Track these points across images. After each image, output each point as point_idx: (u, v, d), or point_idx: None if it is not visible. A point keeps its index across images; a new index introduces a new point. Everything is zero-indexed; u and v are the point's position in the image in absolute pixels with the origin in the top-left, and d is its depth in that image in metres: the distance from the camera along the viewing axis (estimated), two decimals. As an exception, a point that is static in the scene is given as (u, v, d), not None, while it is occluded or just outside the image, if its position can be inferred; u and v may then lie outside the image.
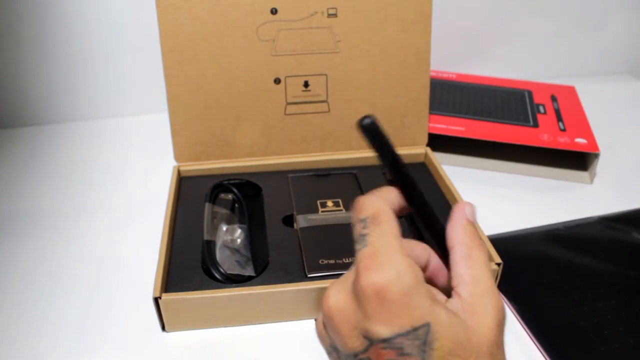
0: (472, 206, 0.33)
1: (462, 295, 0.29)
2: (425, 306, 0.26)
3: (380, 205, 0.30)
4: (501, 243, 0.49)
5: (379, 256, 0.27)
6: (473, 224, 0.32)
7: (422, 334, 0.26)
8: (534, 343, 0.41)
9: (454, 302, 0.29)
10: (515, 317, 0.44)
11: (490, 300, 0.29)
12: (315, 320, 0.32)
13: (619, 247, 0.50)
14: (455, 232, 0.31)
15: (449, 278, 0.30)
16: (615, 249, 0.49)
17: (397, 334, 0.26)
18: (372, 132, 0.31)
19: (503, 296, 0.45)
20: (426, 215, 0.32)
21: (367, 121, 0.30)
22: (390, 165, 0.31)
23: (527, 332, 0.42)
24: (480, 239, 0.31)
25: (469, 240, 0.31)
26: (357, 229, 0.29)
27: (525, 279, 0.46)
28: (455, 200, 0.51)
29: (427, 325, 0.26)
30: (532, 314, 0.43)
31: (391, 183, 0.32)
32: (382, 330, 0.26)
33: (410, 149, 0.59)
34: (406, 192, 0.32)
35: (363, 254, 0.28)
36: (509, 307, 0.45)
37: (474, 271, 0.29)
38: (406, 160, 0.62)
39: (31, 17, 0.67)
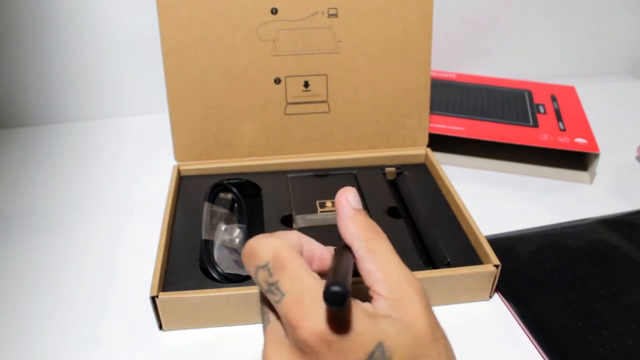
0: (352, 190, 0.30)
1: (383, 293, 0.27)
2: (369, 327, 0.25)
3: (275, 244, 0.27)
4: (500, 243, 0.49)
5: (304, 302, 0.25)
6: (361, 212, 0.30)
7: (379, 356, 0.25)
8: (533, 344, 0.41)
9: (380, 304, 0.27)
10: (514, 318, 0.44)
11: (410, 287, 0.27)
12: None
13: (617, 249, 0.49)
14: (348, 229, 0.29)
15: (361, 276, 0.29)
16: (613, 250, 0.49)
17: None
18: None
19: (502, 297, 0.45)
20: None
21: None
22: None
23: (526, 333, 0.42)
24: (375, 225, 0.29)
25: (364, 232, 0.29)
26: (261, 278, 0.27)
27: (524, 280, 0.46)
28: (455, 201, 0.51)
29: (379, 344, 0.25)
30: (530, 314, 0.43)
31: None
32: None
33: (411, 149, 0.59)
34: None
35: (286, 305, 0.26)
36: (508, 308, 0.45)
37: (382, 264, 0.28)
38: (406, 162, 0.62)
39: (31, 17, 0.67)
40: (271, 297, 0.27)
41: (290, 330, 0.25)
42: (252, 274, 0.28)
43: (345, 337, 0.24)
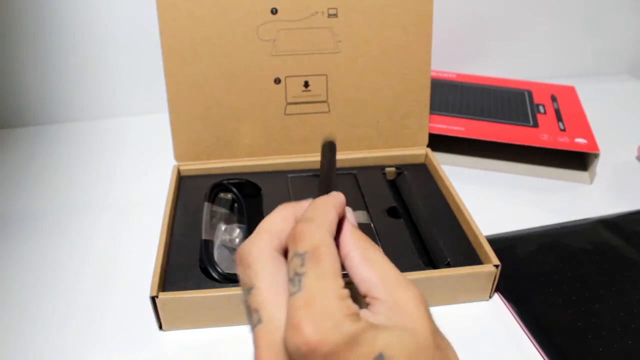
0: (350, 210, 0.31)
1: (380, 297, 0.27)
2: (371, 338, 0.24)
3: (322, 236, 0.27)
4: (500, 243, 0.49)
5: (314, 305, 0.24)
6: (357, 227, 0.30)
7: None
8: (533, 344, 0.41)
9: (378, 307, 0.26)
10: (514, 318, 0.44)
11: (408, 292, 0.27)
12: None
13: (617, 249, 0.49)
14: (344, 239, 0.29)
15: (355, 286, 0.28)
16: (612, 250, 0.49)
17: None
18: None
19: (502, 297, 0.45)
20: None
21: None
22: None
23: (526, 333, 0.42)
24: (370, 240, 0.30)
25: (360, 242, 0.29)
26: (293, 265, 0.26)
27: (524, 280, 0.46)
28: (455, 201, 0.51)
29: (380, 356, 0.24)
30: (530, 314, 0.43)
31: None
32: None
33: (411, 149, 0.59)
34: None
35: (297, 301, 0.24)
36: (508, 308, 0.45)
37: (378, 270, 0.27)
38: (406, 162, 0.63)
39: (31, 17, 0.67)
40: (290, 288, 0.25)
41: (287, 329, 0.24)
42: (289, 259, 0.27)
43: (343, 350, 0.23)
